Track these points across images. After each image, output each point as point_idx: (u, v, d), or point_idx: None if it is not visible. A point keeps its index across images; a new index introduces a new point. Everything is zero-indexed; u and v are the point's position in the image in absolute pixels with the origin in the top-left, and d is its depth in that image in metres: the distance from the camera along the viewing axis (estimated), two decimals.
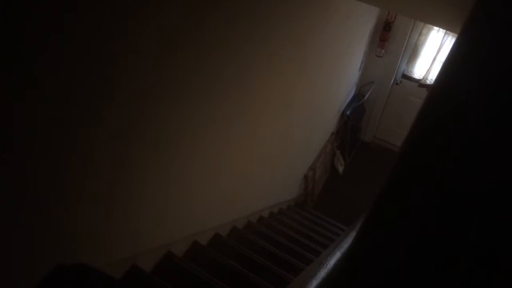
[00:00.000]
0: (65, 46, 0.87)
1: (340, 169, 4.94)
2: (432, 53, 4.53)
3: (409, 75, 4.84)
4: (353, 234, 1.06)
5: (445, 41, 4.38)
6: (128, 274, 1.63)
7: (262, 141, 2.56)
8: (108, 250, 1.46)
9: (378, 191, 0.48)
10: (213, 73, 1.54)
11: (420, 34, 4.52)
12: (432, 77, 4.65)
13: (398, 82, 4.91)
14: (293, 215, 3.70)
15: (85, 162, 1.11)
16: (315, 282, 0.69)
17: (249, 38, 1.69)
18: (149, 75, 1.20)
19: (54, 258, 1.20)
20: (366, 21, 4.06)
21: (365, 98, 4.87)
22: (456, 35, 4.09)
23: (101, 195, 1.25)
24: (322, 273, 0.76)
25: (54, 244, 1.16)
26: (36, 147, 0.93)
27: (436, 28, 4.39)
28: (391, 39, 4.55)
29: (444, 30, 4.33)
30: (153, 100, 1.27)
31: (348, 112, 4.67)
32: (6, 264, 1.02)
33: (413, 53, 4.68)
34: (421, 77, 4.75)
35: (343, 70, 3.94)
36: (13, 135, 0.87)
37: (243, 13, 1.55)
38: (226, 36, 1.50)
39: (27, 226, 1.03)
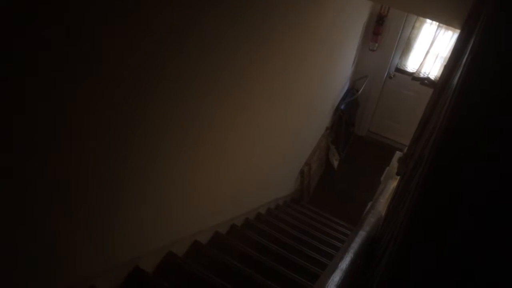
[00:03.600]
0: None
1: (335, 163, 4.95)
2: (425, 46, 4.54)
3: (403, 68, 4.85)
4: (362, 234, 1.05)
5: (438, 34, 4.39)
6: (131, 275, 1.61)
7: (261, 137, 2.55)
8: (112, 253, 1.44)
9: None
10: (213, 74, 1.52)
11: (413, 27, 4.52)
12: (425, 70, 4.67)
13: (392, 76, 4.91)
14: (290, 211, 3.71)
15: (88, 163, 1.09)
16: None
17: (247, 37, 1.67)
18: (151, 76, 1.18)
19: (57, 264, 1.18)
20: (359, 15, 4.06)
21: (359, 92, 4.87)
22: (450, 29, 4.09)
23: (106, 198, 1.24)
24: (339, 276, 0.75)
25: (55, 251, 1.14)
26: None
27: (429, 21, 4.39)
28: (384, 33, 4.55)
29: (437, 24, 4.34)
30: (156, 100, 1.25)
31: (342, 107, 4.67)
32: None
33: (406, 47, 4.68)
34: (414, 71, 4.76)
35: (337, 65, 3.93)
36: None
37: (241, 13, 1.53)
38: (225, 35, 1.48)
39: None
